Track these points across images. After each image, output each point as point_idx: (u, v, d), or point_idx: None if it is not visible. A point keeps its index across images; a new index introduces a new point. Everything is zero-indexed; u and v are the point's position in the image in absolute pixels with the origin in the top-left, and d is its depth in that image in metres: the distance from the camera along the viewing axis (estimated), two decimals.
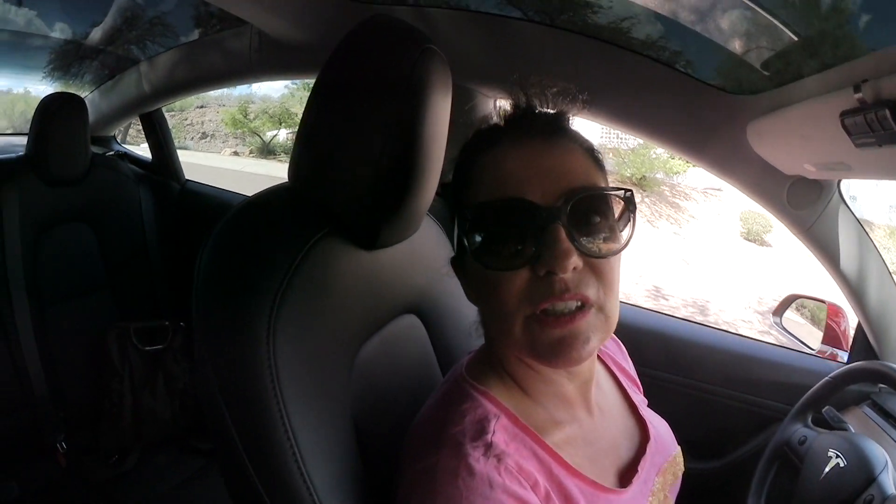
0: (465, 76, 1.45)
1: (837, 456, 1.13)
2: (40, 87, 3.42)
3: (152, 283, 2.62)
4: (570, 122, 0.77)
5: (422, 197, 0.86)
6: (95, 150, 2.62)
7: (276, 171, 12.46)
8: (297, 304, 0.74)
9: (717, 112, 1.30)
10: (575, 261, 0.65)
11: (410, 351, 1.01)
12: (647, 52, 1.33)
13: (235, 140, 18.85)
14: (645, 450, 0.84)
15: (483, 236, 0.69)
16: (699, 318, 7.55)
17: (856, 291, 1.41)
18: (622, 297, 0.80)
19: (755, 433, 1.57)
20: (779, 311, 1.76)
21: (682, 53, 1.32)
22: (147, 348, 2.33)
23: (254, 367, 0.69)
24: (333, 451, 0.75)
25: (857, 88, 0.88)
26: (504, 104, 0.79)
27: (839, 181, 1.34)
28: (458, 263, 0.80)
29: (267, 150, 17.66)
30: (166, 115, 3.02)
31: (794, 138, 1.21)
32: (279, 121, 17.75)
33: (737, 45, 1.24)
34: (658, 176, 13.39)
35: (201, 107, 19.90)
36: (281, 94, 18.83)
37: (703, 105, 1.32)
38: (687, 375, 1.61)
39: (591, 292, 0.67)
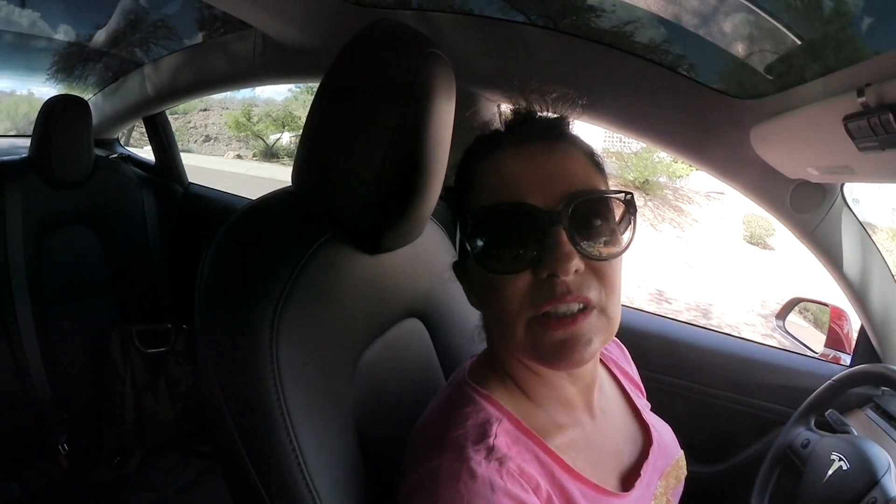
0: (469, 80, 1.45)
1: (840, 459, 1.12)
2: (44, 89, 3.43)
3: (155, 286, 2.62)
4: (571, 126, 0.77)
5: (425, 201, 0.86)
6: (99, 152, 2.63)
7: (280, 175, 12.47)
8: (301, 308, 0.74)
9: (721, 116, 1.30)
10: (576, 263, 0.65)
11: (413, 355, 1.01)
12: (651, 55, 1.33)
13: (239, 143, 18.84)
14: (648, 453, 0.84)
15: (485, 240, 0.70)
16: (702, 322, 7.54)
17: (859, 294, 1.41)
18: (625, 300, 0.80)
19: (758, 436, 1.57)
20: (782, 314, 1.76)
21: (686, 57, 1.31)
22: (149, 351, 2.32)
23: (257, 371, 0.69)
24: (336, 454, 0.75)
25: (860, 92, 0.88)
26: (505, 109, 0.79)
27: (842, 185, 1.34)
28: (460, 267, 0.80)
29: (270, 154, 17.65)
30: (169, 117, 3.02)
31: (797, 142, 1.21)
32: (282, 124, 17.75)
33: (740, 49, 1.24)
34: (661, 180, 13.36)
35: (205, 110, 19.90)
36: (284, 98, 18.86)
37: (706, 109, 1.32)
38: (690, 379, 1.61)
39: (593, 294, 0.67)
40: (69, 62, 2.92)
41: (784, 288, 9.08)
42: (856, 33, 0.99)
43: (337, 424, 0.77)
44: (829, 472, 1.13)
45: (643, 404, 0.95)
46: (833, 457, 1.14)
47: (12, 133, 4.40)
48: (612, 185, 0.75)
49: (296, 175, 0.85)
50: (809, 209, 1.34)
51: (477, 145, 0.77)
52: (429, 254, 1.04)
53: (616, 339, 0.97)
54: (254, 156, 17.95)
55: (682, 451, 0.93)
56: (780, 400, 1.53)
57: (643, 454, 0.84)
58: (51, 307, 2.28)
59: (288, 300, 0.72)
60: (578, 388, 0.78)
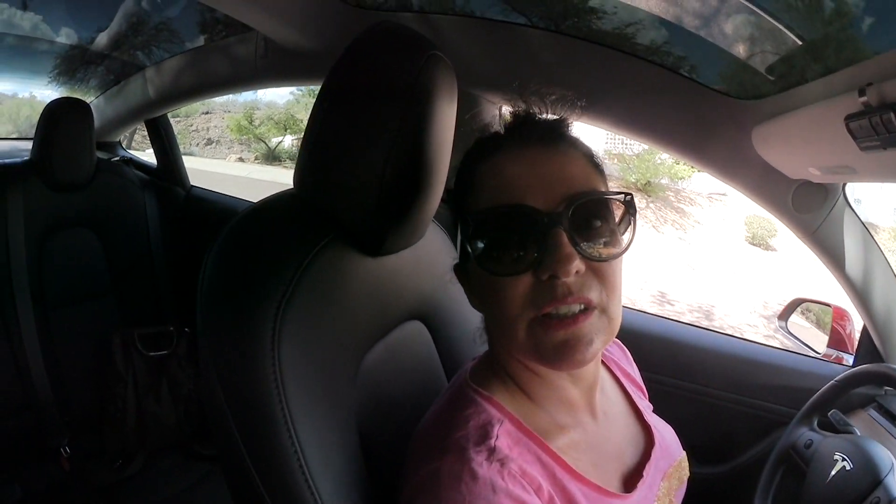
0: (470, 82, 1.45)
1: (843, 459, 1.12)
2: (46, 92, 3.43)
3: (157, 289, 2.62)
4: (570, 128, 0.77)
5: (427, 203, 0.87)
6: (101, 155, 2.63)
7: (282, 178, 12.48)
8: (303, 310, 0.74)
9: (722, 116, 1.30)
10: (577, 265, 0.66)
11: (415, 357, 1.01)
12: (652, 57, 1.33)
13: (241, 146, 18.90)
14: (650, 455, 0.84)
15: (486, 242, 0.70)
16: (704, 323, 7.53)
17: (861, 294, 1.41)
18: (627, 302, 0.81)
19: (761, 437, 1.56)
20: (784, 314, 1.75)
21: (687, 58, 1.32)
22: (151, 354, 2.32)
23: (258, 373, 0.70)
24: (338, 456, 0.75)
25: (861, 92, 0.88)
26: (506, 111, 0.79)
27: (844, 185, 1.34)
28: (461, 270, 0.81)
29: (272, 157, 17.70)
30: (171, 121, 3.02)
31: (798, 142, 1.21)
32: (284, 127, 17.81)
33: (741, 50, 1.24)
34: (663, 181, 13.37)
35: (206, 113, 19.97)
36: (286, 101, 18.94)
37: (707, 110, 1.32)
38: (692, 380, 1.61)
39: (594, 295, 0.68)
40: (71, 65, 2.92)
41: (786, 289, 9.07)
42: (857, 33, 0.99)
43: (339, 426, 0.77)
44: (833, 472, 1.13)
45: (645, 405, 0.95)
46: (836, 457, 1.14)
47: (14, 136, 4.40)
48: (614, 186, 0.75)
49: (298, 177, 0.85)
50: (811, 209, 1.34)
51: (477, 147, 0.78)
52: (431, 256, 1.04)
53: (618, 340, 0.97)
54: (256, 159, 18.01)
55: (684, 452, 0.93)
56: (783, 401, 1.53)
57: (645, 455, 0.84)
58: (52, 310, 2.28)
59: (290, 302, 0.72)
60: (580, 389, 0.78)
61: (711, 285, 9.72)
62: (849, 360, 1.57)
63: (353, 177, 0.80)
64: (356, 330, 0.85)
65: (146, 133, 3.05)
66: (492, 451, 0.66)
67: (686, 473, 0.92)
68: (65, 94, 2.70)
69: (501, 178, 0.71)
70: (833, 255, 1.38)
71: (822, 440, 1.23)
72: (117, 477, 2.15)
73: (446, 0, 1.54)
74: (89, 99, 2.88)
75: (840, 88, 0.97)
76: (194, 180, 3.02)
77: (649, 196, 12.93)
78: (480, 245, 0.70)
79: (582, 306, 0.67)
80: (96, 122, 2.43)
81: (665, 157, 12.61)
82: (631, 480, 0.79)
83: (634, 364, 1.04)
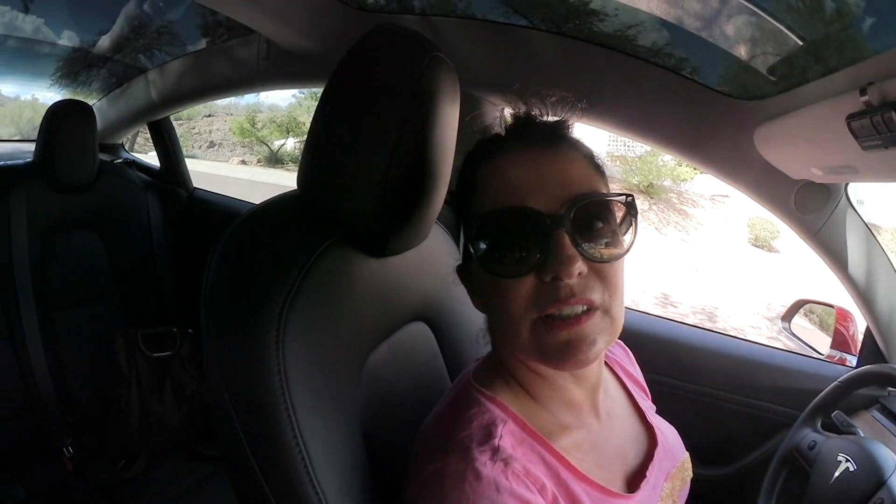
0: (472, 84, 1.45)
1: (847, 460, 1.12)
2: (48, 95, 3.42)
3: (160, 290, 2.63)
4: (571, 129, 0.78)
5: (431, 205, 0.87)
6: (103, 157, 2.64)
7: (285, 181, 12.49)
8: (307, 311, 0.74)
9: (724, 117, 1.30)
10: (579, 266, 0.66)
11: (419, 358, 1.01)
12: (654, 58, 1.33)
13: (243, 149, 18.90)
14: (653, 455, 0.84)
15: (488, 244, 0.70)
16: (708, 325, 7.52)
17: (864, 295, 1.40)
18: (630, 303, 0.81)
19: (764, 439, 1.56)
20: (787, 316, 1.75)
21: (688, 60, 1.31)
22: (155, 355, 2.33)
23: (263, 373, 0.70)
24: (342, 456, 0.75)
25: (862, 91, 0.88)
26: (506, 113, 0.80)
27: (846, 185, 1.34)
28: (463, 271, 0.81)
29: (275, 160, 17.70)
30: (173, 123, 3.03)
31: (800, 142, 1.21)
32: (287, 130, 17.79)
33: (742, 51, 1.24)
34: (665, 183, 13.35)
35: (209, 116, 19.99)
36: (288, 104, 18.93)
37: (709, 111, 1.32)
38: (695, 381, 1.61)
39: (597, 296, 0.68)
40: (73, 68, 2.92)
41: (789, 290, 9.05)
42: (857, 33, 0.99)
43: (343, 426, 0.77)
44: (836, 473, 1.12)
45: (648, 406, 0.95)
46: (840, 458, 1.14)
47: (17, 138, 4.41)
48: (617, 189, 0.76)
49: (301, 179, 0.86)
50: (814, 210, 1.34)
51: (478, 149, 0.78)
52: (433, 257, 1.04)
53: (620, 341, 0.97)
54: (258, 162, 18.00)
55: (687, 453, 0.93)
56: (786, 402, 1.53)
57: (648, 456, 0.84)
58: (56, 310, 2.28)
59: (294, 302, 0.73)
60: (584, 389, 0.78)
61: (714, 287, 9.71)
62: (852, 361, 1.57)
63: (357, 178, 0.80)
64: (360, 331, 0.85)
65: (148, 136, 3.06)
66: (496, 451, 0.66)
67: (689, 474, 0.93)
68: (67, 97, 2.71)
69: (503, 180, 0.71)
70: (836, 255, 1.38)
71: (825, 441, 1.22)
72: (120, 477, 2.15)
73: (448, 2, 1.54)
74: (92, 101, 2.90)
75: (841, 88, 0.97)
76: (197, 183, 3.03)
77: (652, 198, 12.92)
78: (483, 247, 0.70)
79: (585, 307, 0.67)
80: (99, 125, 2.44)
81: (667, 159, 12.61)
82: (634, 481, 0.80)
83: (637, 365, 1.04)
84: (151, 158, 3.17)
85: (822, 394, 1.32)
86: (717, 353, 1.64)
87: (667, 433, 0.91)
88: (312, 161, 0.84)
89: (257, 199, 0.97)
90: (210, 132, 19.91)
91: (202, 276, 0.78)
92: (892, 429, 1.33)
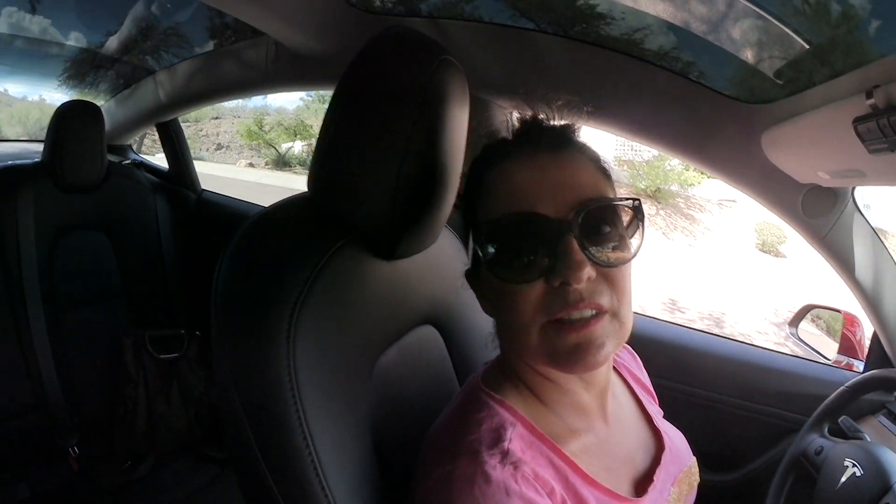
0: (480, 87, 1.45)
1: (854, 465, 1.12)
2: (55, 95, 3.44)
3: (168, 292, 2.63)
4: (577, 133, 0.78)
5: (441, 208, 0.87)
6: (111, 158, 2.64)
7: (292, 183, 12.52)
8: (317, 313, 0.74)
9: (731, 121, 1.30)
10: (588, 271, 0.66)
11: (428, 361, 1.01)
12: (661, 62, 1.33)
13: (251, 152, 18.97)
14: (660, 459, 0.84)
15: (497, 250, 0.71)
16: (715, 331, 7.49)
17: (871, 300, 1.40)
18: (638, 309, 0.81)
19: (771, 444, 1.56)
20: (794, 321, 1.74)
21: (695, 63, 1.32)
22: (162, 356, 2.33)
23: (274, 375, 0.70)
24: (351, 459, 0.75)
25: (869, 94, 0.88)
26: (513, 118, 0.80)
27: (853, 189, 1.34)
28: (472, 276, 0.81)
29: (282, 162, 17.75)
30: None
31: (807, 146, 1.21)
32: (294, 133, 17.87)
33: (749, 55, 1.24)
34: (673, 188, 13.31)
35: (216, 118, 20.06)
36: (296, 107, 19.05)
37: (717, 114, 1.32)
38: (702, 387, 1.61)
39: (605, 300, 0.68)
40: (81, 69, 2.94)
41: (796, 296, 9.01)
42: (863, 36, 0.99)
43: (353, 428, 0.77)
44: (843, 478, 1.12)
45: (655, 411, 0.95)
46: (846, 463, 1.13)
47: (24, 138, 4.44)
48: (625, 193, 0.76)
49: (311, 181, 0.86)
50: (821, 214, 1.34)
51: (485, 154, 0.79)
52: (442, 261, 1.05)
53: (628, 346, 0.97)
54: (266, 164, 18.05)
55: (694, 458, 0.93)
56: (793, 407, 1.52)
57: (656, 460, 0.84)
58: (63, 311, 2.29)
59: (305, 304, 0.73)
60: (592, 393, 0.79)
61: (722, 292, 9.67)
62: (859, 366, 1.56)
63: (367, 181, 0.80)
64: (370, 333, 0.85)
65: (155, 138, 3.07)
66: (505, 454, 0.67)
67: (696, 479, 0.92)
68: (74, 98, 2.71)
69: (511, 185, 0.72)
70: (843, 260, 1.38)
71: (832, 446, 1.22)
72: (126, 478, 2.15)
73: (455, 5, 1.54)
74: (99, 102, 2.89)
75: (848, 91, 0.97)
76: (205, 185, 3.04)
77: (659, 203, 12.89)
78: (492, 252, 0.71)
79: (594, 311, 0.68)
80: (107, 125, 2.45)
81: (675, 164, 12.57)
82: (642, 485, 0.79)
83: (644, 370, 1.04)
84: (158, 160, 3.18)
85: (828, 399, 1.32)
86: (724, 358, 1.63)
87: (674, 438, 0.91)
88: (323, 163, 0.84)
89: (267, 201, 0.97)
90: (218, 134, 19.97)
91: (210, 278, 0.78)
92: None
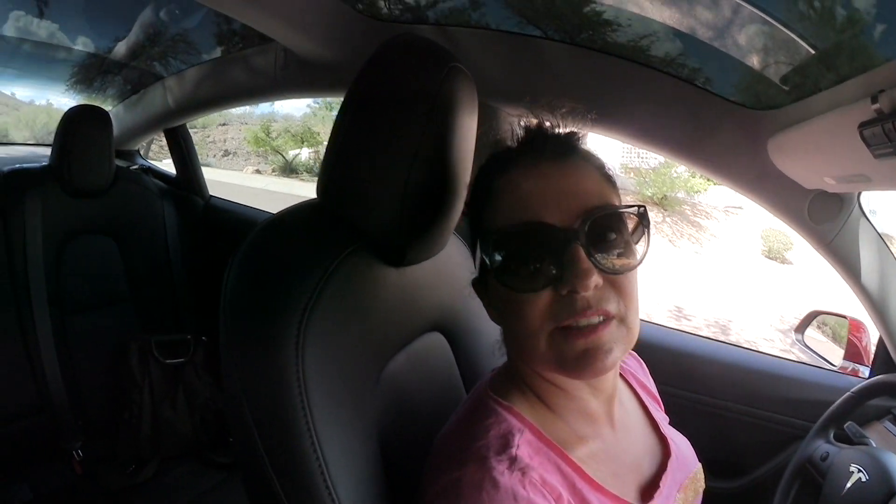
0: (488, 94, 1.45)
1: (859, 471, 1.12)
2: (63, 100, 3.45)
3: (174, 297, 2.63)
4: (582, 141, 0.79)
5: (450, 215, 0.88)
6: (119, 163, 2.65)
7: (298, 190, 12.54)
8: (326, 320, 0.74)
9: (738, 128, 1.30)
10: (595, 279, 0.67)
11: (435, 368, 1.02)
12: (667, 69, 1.34)
13: (258, 158, 19.02)
14: (666, 466, 0.84)
15: (504, 259, 0.71)
16: (721, 338, 7.46)
17: (877, 305, 1.39)
18: (644, 316, 0.81)
19: (777, 451, 1.55)
20: (800, 328, 1.74)
21: (702, 70, 1.32)
22: (168, 361, 2.33)
23: (283, 381, 0.70)
24: (359, 464, 0.75)
25: (874, 99, 0.88)
26: (517, 126, 0.80)
27: (859, 194, 1.33)
28: (479, 284, 0.81)
29: (289, 169, 17.79)
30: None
31: (813, 152, 1.21)
32: (301, 140, 17.91)
33: (755, 61, 1.24)
34: (679, 195, 13.30)
35: (223, 124, 20.14)
36: (303, 114, 19.10)
37: (723, 121, 1.32)
38: (708, 394, 1.60)
39: (612, 307, 0.69)
40: (88, 73, 2.95)
41: (802, 302, 8.98)
42: (868, 40, 0.99)
43: (360, 434, 0.77)
44: (849, 484, 1.12)
45: (661, 417, 0.96)
46: (852, 468, 1.13)
47: (31, 142, 4.45)
48: (631, 200, 0.76)
49: (321, 187, 0.86)
50: (827, 220, 1.33)
51: (491, 162, 0.79)
52: (450, 268, 1.05)
53: (634, 353, 0.97)
54: (273, 171, 18.10)
55: (699, 464, 0.93)
56: (799, 414, 1.52)
57: (662, 467, 0.85)
58: (69, 315, 2.29)
59: (313, 311, 0.73)
60: (599, 400, 0.79)
61: (728, 300, 9.64)
62: (865, 372, 1.56)
63: (377, 188, 0.81)
64: (379, 339, 0.86)
65: (163, 144, 3.08)
66: (513, 460, 0.67)
67: (702, 486, 0.92)
68: (82, 102, 2.72)
69: (517, 194, 0.72)
70: (849, 265, 1.37)
71: (838, 452, 1.22)
72: (129, 482, 2.15)
73: (462, 13, 1.55)
74: (107, 107, 2.91)
75: (853, 96, 0.97)
76: (211, 191, 3.04)
77: (666, 210, 12.88)
78: (499, 261, 0.71)
79: (601, 318, 0.68)
80: (115, 131, 2.46)
81: (681, 171, 12.57)
82: (648, 491, 0.79)
83: (650, 377, 1.05)
84: (165, 167, 3.19)
85: (834, 405, 1.32)
86: (730, 364, 1.63)
87: (680, 444, 0.91)
88: (332, 170, 0.85)
89: (274, 208, 0.98)
90: (225, 141, 20.05)
91: (218, 283, 0.78)
92: None
